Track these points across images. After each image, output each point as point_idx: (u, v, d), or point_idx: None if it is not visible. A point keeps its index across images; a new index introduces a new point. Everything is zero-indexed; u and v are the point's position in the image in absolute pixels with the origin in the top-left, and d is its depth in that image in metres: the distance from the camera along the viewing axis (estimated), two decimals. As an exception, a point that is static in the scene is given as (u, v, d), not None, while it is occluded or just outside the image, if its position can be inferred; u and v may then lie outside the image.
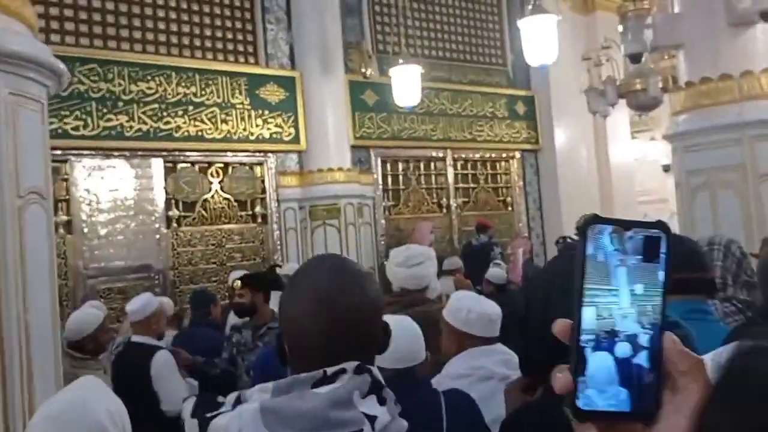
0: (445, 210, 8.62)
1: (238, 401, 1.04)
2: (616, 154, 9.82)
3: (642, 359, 0.51)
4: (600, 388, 0.51)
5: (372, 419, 0.99)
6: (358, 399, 1.01)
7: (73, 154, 5.94)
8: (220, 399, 1.07)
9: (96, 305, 4.18)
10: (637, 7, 5.37)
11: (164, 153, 6.45)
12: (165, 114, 6.37)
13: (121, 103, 6.13)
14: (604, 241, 0.52)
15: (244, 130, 6.85)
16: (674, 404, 0.50)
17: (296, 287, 1.14)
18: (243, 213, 7.00)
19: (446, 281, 4.80)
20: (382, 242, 7.79)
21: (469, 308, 2.16)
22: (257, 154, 7.03)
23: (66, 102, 5.83)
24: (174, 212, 6.54)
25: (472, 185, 8.95)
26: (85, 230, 6.00)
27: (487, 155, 9.09)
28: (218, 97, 6.71)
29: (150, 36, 6.51)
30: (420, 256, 3.09)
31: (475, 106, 8.83)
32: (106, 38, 6.24)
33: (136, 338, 3.72)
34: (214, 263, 6.76)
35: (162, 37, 6.57)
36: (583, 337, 0.52)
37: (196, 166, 6.72)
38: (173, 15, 6.66)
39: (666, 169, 12.61)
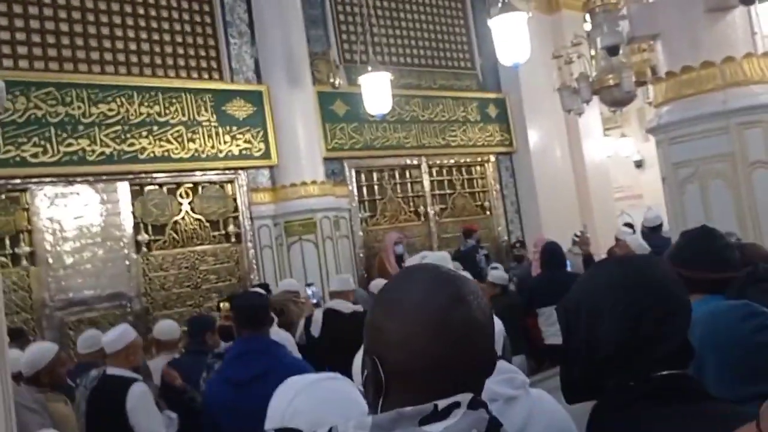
0: (423, 218, 8.46)
1: None
2: (590, 152, 9.79)
3: None
4: None
5: None
6: None
7: (34, 182, 5.67)
8: None
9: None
10: (605, 2, 5.30)
11: (130, 176, 6.20)
12: (128, 135, 6.13)
13: (81, 127, 5.87)
14: None
15: (213, 147, 6.64)
16: None
17: (397, 303, 0.94)
18: (216, 233, 6.77)
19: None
20: (361, 254, 7.61)
21: None
22: (227, 171, 6.81)
23: (23, 128, 5.57)
24: (143, 236, 6.29)
25: (448, 191, 8.82)
26: (50, 261, 5.72)
27: (462, 160, 8.97)
28: (183, 115, 6.49)
29: (108, 56, 6.27)
30: (444, 259, 3.40)
31: (447, 111, 8.71)
32: (62, 60, 6.00)
33: (111, 370, 3.53)
34: (188, 286, 6.52)
35: (121, 57, 6.34)
36: None
37: (164, 188, 6.48)
38: (131, 33, 6.43)
39: (638, 164, 12.69)
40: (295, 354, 3.62)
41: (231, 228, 6.85)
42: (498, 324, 2.04)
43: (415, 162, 8.42)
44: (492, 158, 9.23)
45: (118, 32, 6.35)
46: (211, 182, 6.77)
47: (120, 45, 6.35)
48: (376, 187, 8.10)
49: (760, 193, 3.49)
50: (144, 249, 6.30)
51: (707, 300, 1.70)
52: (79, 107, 5.88)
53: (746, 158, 3.46)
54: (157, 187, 6.43)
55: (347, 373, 1.72)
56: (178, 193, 6.56)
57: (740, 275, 1.84)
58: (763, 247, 2.57)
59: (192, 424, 3.54)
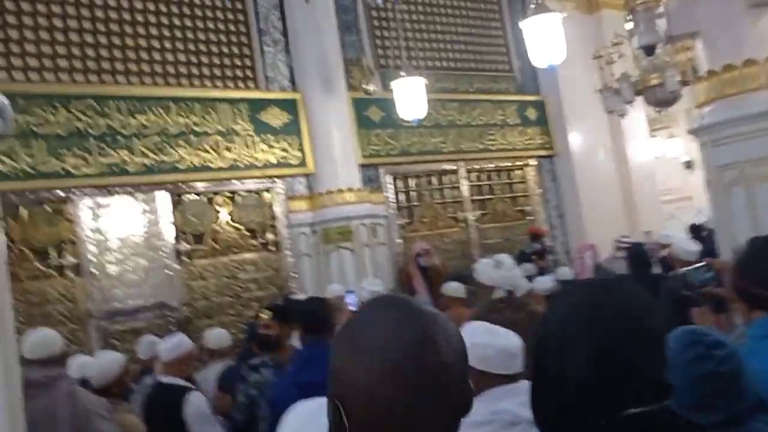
0: (462, 224, 8.36)
1: None
2: (635, 154, 9.54)
3: None
4: None
5: None
6: None
7: (76, 194, 5.79)
8: None
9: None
10: (646, 0, 5.13)
11: (169, 186, 6.27)
12: (167, 146, 6.21)
13: (120, 138, 5.97)
14: None
15: (249, 156, 6.68)
16: None
17: (360, 345, 0.87)
18: (254, 241, 6.79)
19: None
20: (399, 262, 7.54)
21: (486, 343, 1.90)
22: (264, 180, 6.84)
23: (64, 140, 5.69)
24: (184, 246, 6.35)
25: (488, 196, 8.69)
26: (94, 271, 5.82)
27: (502, 164, 8.83)
28: (220, 124, 6.55)
29: (146, 68, 6.37)
30: (510, 259, 3.70)
31: (485, 115, 8.60)
32: (101, 73, 6.11)
33: (165, 379, 3.63)
34: (229, 296, 6.55)
35: (158, 68, 6.43)
36: None
37: (203, 197, 6.54)
38: (168, 45, 6.52)
39: (687, 165, 12.30)
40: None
41: (269, 236, 6.87)
42: (515, 338, 1.96)
43: (453, 167, 8.33)
44: (532, 162, 9.07)
45: (155, 44, 6.45)
46: (248, 191, 6.80)
47: (157, 56, 6.45)
48: (413, 193, 8.03)
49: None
50: (185, 258, 6.35)
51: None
52: (119, 119, 5.98)
53: (794, 160, 3.30)
54: (195, 196, 6.50)
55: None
56: (216, 202, 6.61)
57: None
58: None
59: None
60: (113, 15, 6.24)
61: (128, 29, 6.31)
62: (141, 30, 6.38)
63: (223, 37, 6.89)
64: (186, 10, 6.67)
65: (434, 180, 8.22)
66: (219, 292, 6.49)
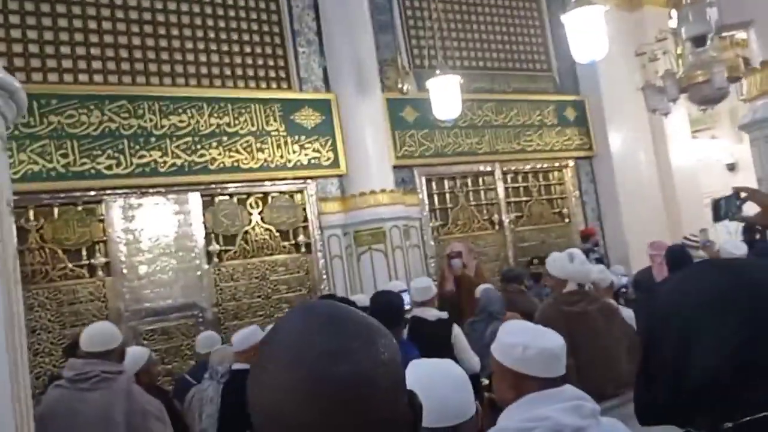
0: (497, 226, 8.17)
1: None
2: (677, 156, 9.24)
3: None
4: None
5: None
6: None
7: (108, 194, 5.78)
8: None
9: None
10: (692, -8, 4.90)
11: (201, 187, 6.24)
12: (199, 147, 6.18)
13: (153, 139, 5.96)
14: None
15: (281, 157, 6.61)
16: None
17: (271, 356, 0.76)
18: (286, 243, 6.72)
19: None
20: (433, 265, 7.39)
21: (526, 344, 1.75)
22: (296, 181, 6.76)
23: (97, 141, 5.70)
24: (214, 247, 6.31)
25: (524, 198, 8.49)
26: (125, 271, 5.81)
27: (539, 166, 8.62)
28: (252, 125, 6.50)
29: (179, 69, 6.35)
30: (582, 255, 3.76)
31: (522, 115, 8.40)
32: (134, 74, 6.11)
33: (237, 366, 3.89)
34: (259, 297, 6.49)
35: (191, 69, 6.41)
36: None
37: (235, 198, 6.49)
38: (201, 46, 6.50)
39: (730, 168, 11.89)
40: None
41: (301, 238, 6.79)
42: (557, 338, 1.80)
43: (489, 168, 8.15)
44: (570, 163, 8.84)
45: (188, 45, 6.43)
46: (280, 192, 6.73)
47: (190, 57, 6.43)
48: (447, 195, 7.87)
49: None
50: (215, 259, 6.31)
51: None
52: (151, 119, 5.97)
53: None
54: (227, 197, 6.45)
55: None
56: (248, 203, 6.56)
57: None
58: None
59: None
60: (146, 16, 6.24)
61: (161, 30, 6.30)
62: (174, 31, 6.37)
63: (256, 38, 6.85)
64: (219, 11, 6.64)
65: (469, 181, 8.05)
66: (249, 293, 6.43)
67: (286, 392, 0.72)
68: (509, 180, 8.36)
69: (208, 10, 6.58)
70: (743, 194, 1.96)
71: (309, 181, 6.82)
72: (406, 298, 5.55)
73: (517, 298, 5.50)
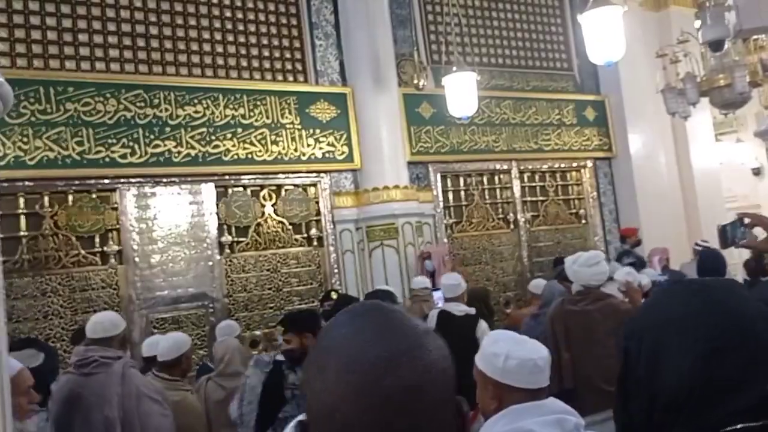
0: (512, 226, 8.10)
1: None
2: (698, 159, 9.09)
3: None
4: None
5: None
6: None
7: (122, 183, 5.83)
8: None
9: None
10: (716, -7, 4.79)
11: (214, 177, 6.26)
12: (213, 137, 6.20)
13: (168, 129, 5.99)
14: None
15: (296, 150, 6.61)
16: None
17: (324, 359, 0.78)
18: (298, 236, 6.73)
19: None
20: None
21: (507, 354, 1.72)
22: (310, 174, 6.76)
23: (113, 129, 5.73)
24: (227, 238, 6.33)
25: (540, 198, 8.40)
26: (137, 260, 5.86)
27: (556, 165, 8.53)
28: (267, 117, 6.50)
29: (195, 59, 6.37)
30: (596, 257, 3.90)
31: (541, 114, 8.32)
32: (151, 63, 6.14)
33: (281, 357, 3.83)
34: (270, 289, 6.51)
35: (208, 60, 6.42)
36: None
37: (248, 190, 6.51)
38: (218, 36, 6.51)
39: (756, 172, 11.70)
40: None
41: (313, 231, 6.79)
42: (542, 349, 1.78)
43: (505, 167, 8.08)
44: (589, 164, 8.74)
45: (205, 35, 6.44)
46: (294, 185, 6.74)
47: (207, 48, 6.44)
48: (462, 192, 7.82)
49: None
50: (227, 250, 6.34)
51: None
52: (167, 109, 6.00)
53: None
54: (241, 189, 6.47)
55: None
56: (261, 195, 6.57)
57: None
58: None
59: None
60: (164, 6, 6.26)
61: (178, 20, 6.32)
62: (191, 21, 6.38)
63: (273, 30, 6.84)
64: (237, 2, 6.64)
65: (485, 179, 7.99)
66: (260, 285, 6.45)
67: (342, 395, 0.73)
68: (526, 179, 8.28)
69: (227, 0, 6.58)
70: (747, 220, 1.93)
71: (323, 174, 6.81)
72: (437, 294, 5.56)
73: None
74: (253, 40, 6.70)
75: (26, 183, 5.41)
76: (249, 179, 6.47)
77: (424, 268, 6.36)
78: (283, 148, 6.55)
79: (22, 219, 5.43)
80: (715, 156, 9.51)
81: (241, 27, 6.64)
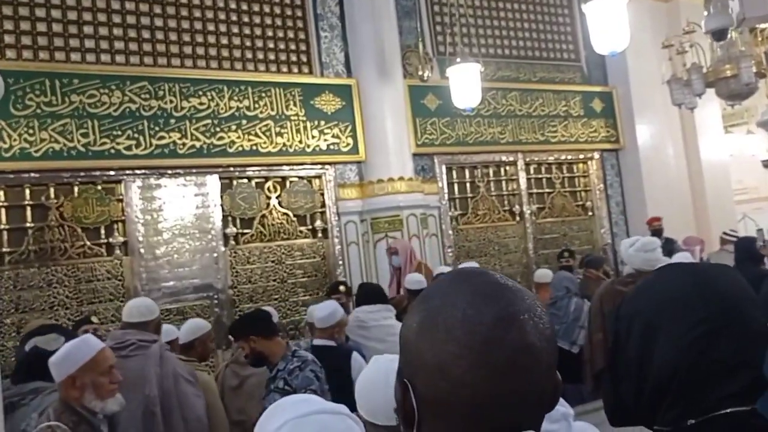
0: (518, 218, 8.08)
1: None
2: (707, 150, 9.01)
3: None
4: None
5: None
6: None
7: (127, 174, 5.85)
8: None
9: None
10: (723, -17, 4.73)
11: (219, 169, 6.28)
12: (218, 129, 6.21)
13: (173, 120, 6.00)
14: None
15: (300, 142, 6.61)
16: None
17: (432, 320, 0.78)
18: (303, 228, 6.74)
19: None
20: (450, 254, 7.35)
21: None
22: (315, 166, 6.76)
23: (118, 121, 5.76)
24: (231, 229, 6.36)
25: (547, 190, 8.37)
26: (142, 251, 5.89)
27: (563, 157, 8.48)
28: (272, 109, 6.50)
29: (200, 50, 6.37)
30: (652, 244, 4.05)
31: (547, 105, 8.27)
32: (156, 55, 6.15)
33: (318, 342, 3.93)
34: (275, 281, 6.53)
35: (212, 51, 6.43)
36: None
37: (253, 182, 6.52)
38: (223, 28, 6.51)
39: (766, 164, 11.58)
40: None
41: (318, 223, 6.80)
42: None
43: (511, 158, 8.05)
44: (596, 155, 8.69)
45: (210, 27, 6.44)
46: (299, 177, 6.74)
47: (211, 39, 6.44)
48: (468, 184, 7.79)
49: None
50: (232, 242, 6.36)
51: None
52: (171, 101, 6.01)
53: None
54: (245, 180, 6.48)
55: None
56: (266, 187, 6.58)
57: None
58: None
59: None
60: (169, -3, 6.27)
61: (183, 12, 6.32)
62: (196, 13, 6.38)
63: (278, 22, 6.83)
64: (242, -7, 6.64)
65: (491, 171, 7.97)
66: (265, 276, 6.47)
67: (461, 351, 0.74)
68: (532, 171, 8.25)
69: (232, -8, 6.58)
70: None
71: (327, 166, 6.82)
72: None
73: (590, 283, 5.98)
74: (258, 31, 6.69)
75: (32, 175, 5.44)
76: (254, 171, 6.48)
77: (391, 265, 6.29)
78: (288, 140, 6.55)
79: (28, 210, 5.47)
80: (724, 147, 9.44)
81: (246, 18, 6.64)
